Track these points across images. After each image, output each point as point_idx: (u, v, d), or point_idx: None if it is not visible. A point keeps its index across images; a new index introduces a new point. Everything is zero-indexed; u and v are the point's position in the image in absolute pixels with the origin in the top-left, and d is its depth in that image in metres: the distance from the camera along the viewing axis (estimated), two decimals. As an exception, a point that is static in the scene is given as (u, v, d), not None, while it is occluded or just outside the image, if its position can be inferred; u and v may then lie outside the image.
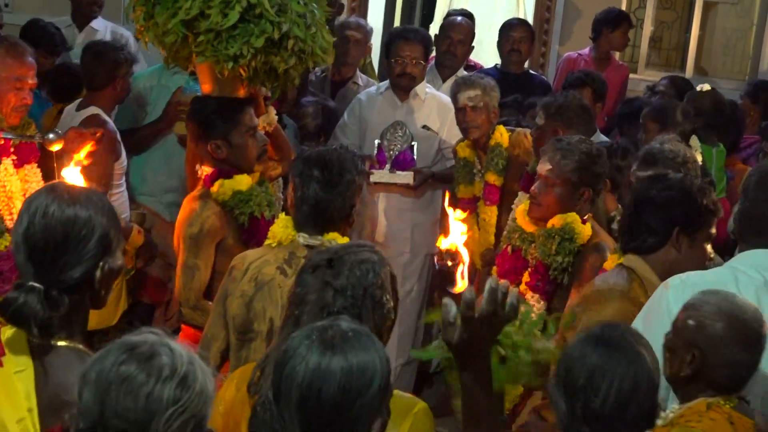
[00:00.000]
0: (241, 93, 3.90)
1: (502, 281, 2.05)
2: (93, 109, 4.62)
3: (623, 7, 7.78)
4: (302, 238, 3.19)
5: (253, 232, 3.82)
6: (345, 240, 3.24)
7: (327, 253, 2.42)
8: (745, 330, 2.60)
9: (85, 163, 3.97)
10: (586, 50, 7.04)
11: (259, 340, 3.20)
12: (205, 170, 3.91)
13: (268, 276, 3.19)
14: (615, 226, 4.36)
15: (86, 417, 1.72)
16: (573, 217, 3.83)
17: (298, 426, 1.87)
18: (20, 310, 2.24)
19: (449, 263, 3.08)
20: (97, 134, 4.53)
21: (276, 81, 4.00)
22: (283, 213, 3.52)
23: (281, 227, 3.29)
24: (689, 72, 8.03)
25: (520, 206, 4.17)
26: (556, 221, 3.85)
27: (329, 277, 2.33)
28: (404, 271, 4.96)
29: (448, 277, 3.10)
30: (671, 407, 2.70)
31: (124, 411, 1.70)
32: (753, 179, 3.03)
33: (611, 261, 3.53)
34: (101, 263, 2.34)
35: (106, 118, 4.68)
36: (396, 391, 2.21)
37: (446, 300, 2.05)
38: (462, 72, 6.03)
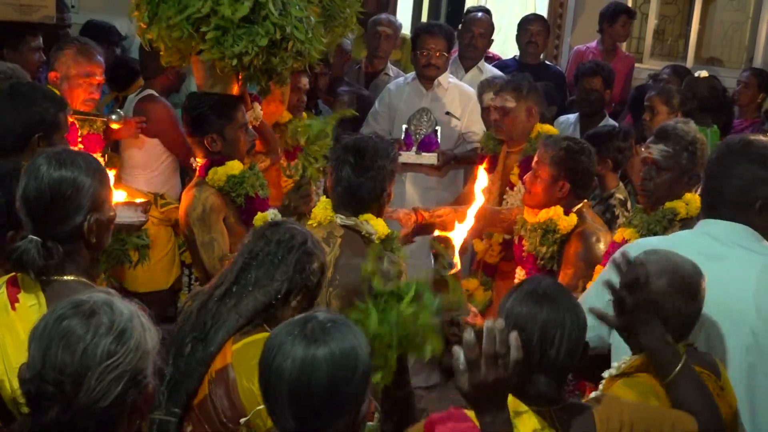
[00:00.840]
0: (235, 90, 3.93)
1: (498, 320, 1.98)
2: (148, 91, 4.73)
3: (630, 3, 7.81)
4: (339, 218, 3.26)
5: (251, 212, 3.85)
6: (379, 221, 3.31)
7: (273, 221, 2.62)
8: (684, 283, 2.62)
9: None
10: (594, 43, 7.11)
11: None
12: (199, 162, 3.97)
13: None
14: (614, 201, 4.50)
15: (31, 368, 1.74)
16: (556, 210, 3.89)
17: (291, 418, 1.87)
18: (20, 258, 2.40)
19: (442, 246, 3.27)
20: (142, 120, 4.65)
21: (269, 79, 3.99)
22: (324, 196, 3.55)
23: (321, 209, 3.34)
24: (690, 62, 8.02)
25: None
26: (540, 215, 3.95)
27: (267, 231, 2.53)
28: (423, 248, 4.92)
29: (440, 261, 3.27)
30: (623, 358, 2.72)
31: (61, 364, 1.71)
32: (713, 156, 3.07)
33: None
34: (88, 216, 2.46)
35: (161, 98, 4.81)
36: (267, 331, 2.39)
37: (456, 348, 1.94)
38: (483, 63, 6.14)
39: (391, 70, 6.33)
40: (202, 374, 2.45)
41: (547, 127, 4.75)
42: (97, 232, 2.49)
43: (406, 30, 7.17)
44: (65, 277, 2.45)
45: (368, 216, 3.26)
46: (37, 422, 1.71)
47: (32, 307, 2.42)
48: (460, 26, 6.34)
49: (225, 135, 3.79)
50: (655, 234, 3.52)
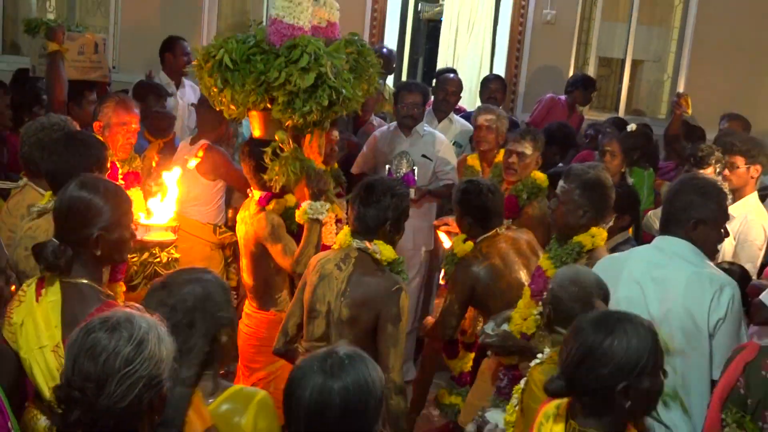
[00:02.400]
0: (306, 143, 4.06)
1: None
2: (203, 141, 4.76)
3: (572, 65, 7.99)
4: (355, 242, 3.36)
5: (300, 236, 3.92)
6: (387, 247, 3.37)
7: (164, 278, 2.36)
8: (583, 293, 2.84)
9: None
10: (563, 97, 7.18)
11: (320, 318, 3.35)
12: (256, 194, 4.05)
13: (327, 270, 3.35)
14: None
15: (64, 374, 1.79)
16: (458, 238, 4.12)
17: None
18: (38, 255, 2.54)
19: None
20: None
21: (314, 128, 4.09)
22: (347, 226, 3.57)
23: (342, 235, 3.44)
24: (621, 113, 8.14)
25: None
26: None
27: (164, 296, 2.25)
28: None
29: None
30: (546, 350, 2.93)
31: (86, 372, 1.74)
32: (668, 190, 3.21)
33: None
34: (97, 232, 2.56)
35: (217, 146, 4.81)
36: (234, 386, 2.33)
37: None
38: (452, 114, 6.28)
39: (375, 120, 6.42)
40: None
41: (538, 174, 4.83)
42: (102, 247, 2.58)
43: (389, 83, 7.24)
44: (79, 281, 2.55)
45: (379, 242, 3.35)
46: (64, 421, 1.76)
47: (52, 302, 2.51)
48: (434, 83, 6.48)
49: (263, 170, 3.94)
50: (565, 263, 3.50)
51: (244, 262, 4.14)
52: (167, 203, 4.23)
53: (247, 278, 4.14)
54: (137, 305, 1.99)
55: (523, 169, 4.77)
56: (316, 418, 1.86)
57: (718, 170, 4.50)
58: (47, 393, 2.35)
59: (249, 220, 4.06)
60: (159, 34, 6.75)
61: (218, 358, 2.31)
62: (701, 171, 4.48)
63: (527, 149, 4.77)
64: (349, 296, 3.30)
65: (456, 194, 4.12)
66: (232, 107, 4.00)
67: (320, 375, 1.88)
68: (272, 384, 3.92)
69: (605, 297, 2.89)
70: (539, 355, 2.89)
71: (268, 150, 3.96)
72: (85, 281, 2.57)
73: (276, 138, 4.01)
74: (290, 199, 4.03)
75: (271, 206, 3.99)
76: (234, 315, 2.38)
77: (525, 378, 2.91)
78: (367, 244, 3.35)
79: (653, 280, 3.02)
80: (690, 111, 5.98)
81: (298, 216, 3.93)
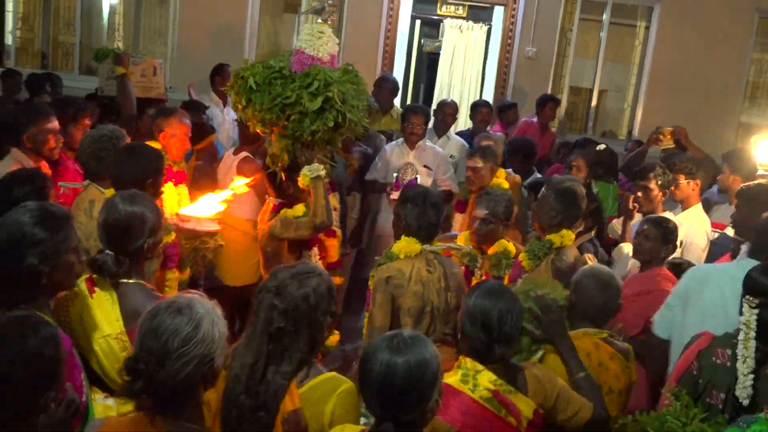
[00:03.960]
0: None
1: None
2: (245, 153, 4.69)
3: (549, 92, 7.91)
4: (426, 247, 3.25)
5: (303, 241, 3.93)
6: (416, 247, 3.22)
7: (276, 281, 2.21)
8: (603, 284, 2.83)
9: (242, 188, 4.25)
10: (535, 118, 7.14)
11: (427, 316, 3.20)
12: (272, 201, 4.01)
13: (425, 276, 3.20)
14: None
15: (135, 348, 1.81)
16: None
17: (378, 407, 1.88)
18: (100, 266, 2.49)
19: None
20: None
21: (326, 145, 4.01)
22: (404, 234, 3.30)
23: (405, 244, 3.23)
24: (589, 133, 8.23)
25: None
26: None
27: (276, 301, 2.16)
28: None
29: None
30: (540, 351, 2.78)
31: (150, 349, 1.74)
32: (761, 222, 3.14)
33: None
34: (147, 240, 2.56)
35: (256, 158, 4.68)
36: (326, 374, 2.22)
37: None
38: (450, 132, 6.28)
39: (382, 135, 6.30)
40: (270, 428, 2.13)
41: (501, 181, 4.73)
42: (151, 250, 2.60)
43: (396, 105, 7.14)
44: (129, 281, 2.52)
45: (435, 242, 3.33)
46: (129, 388, 1.76)
47: (107, 300, 2.48)
48: (434, 107, 6.52)
49: (294, 182, 3.89)
50: (539, 258, 3.53)
51: (261, 259, 4.05)
52: (214, 202, 4.19)
53: (263, 273, 4.04)
54: (197, 292, 1.95)
55: (480, 179, 4.67)
56: (384, 386, 1.85)
57: (659, 182, 4.47)
58: (113, 374, 2.35)
59: (263, 223, 4.03)
60: (207, 60, 6.80)
61: (317, 353, 2.28)
62: (641, 182, 4.51)
63: (478, 163, 4.69)
64: (452, 289, 3.27)
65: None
66: (257, 123, 3.94)
67: (387, 352, 1.87)
68: None
69: (618, 290, 2.94)
70: (536, 355, 2.78)
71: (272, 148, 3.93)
72: (133, 281, 2.54)
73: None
74: (299, 209, 3.92)
75: (281, 215, 3.90)
76: (336, 310, 2.31)
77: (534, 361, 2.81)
78: (432, 246, 3.30)
79: (732, 290, 2.86)
80: (664, 145, 5.77)
81: (301, 182, 3.82)
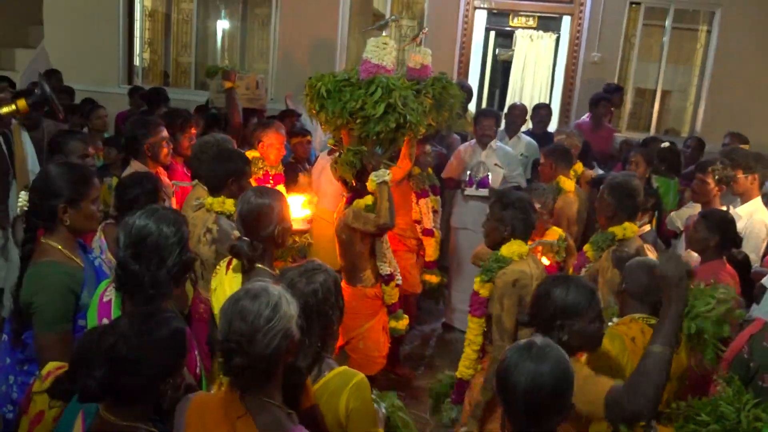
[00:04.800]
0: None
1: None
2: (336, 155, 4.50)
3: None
4: (527, 246, 3.21)
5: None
6: (525, 248, 3.14)
7: (285, 279, 2.15)
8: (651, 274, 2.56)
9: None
10: (587, 118, 6.89)
11: None
12: (345, 193, 4.07)
13: (539, 274, 3.11)
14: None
15: (222, 334, 1.77)
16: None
17: (523, 416, 1.74)
18: (238, 251, 2.56)
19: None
20: None
21: (390, 145, 4.04)
22: (513, 238, 3.20)
23: (517, 247, 3.15)
24: (652, 132, 7.95)
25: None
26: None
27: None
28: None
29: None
30: (614, 320, 2.71)
31: (239, 330, 1.74)
32: None
33: None
34: (279, 226, 2.61)
35: None
36: (338, 368, 2.12)
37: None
38: (520, 133, 6.16)
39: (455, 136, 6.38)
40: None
41: (564, 179, 4.64)
42: (281, 236, 2.65)
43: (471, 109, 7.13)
44: (258, 266, 2.58)
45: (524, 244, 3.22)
46: (229, 366, 1.76)
47: (237, 278, 2.58)
48: (506, 110, 6.52)
49: (362, 180, 3.91)
50: (602, 248, 3.42)
51: (337, 247, 4.04)
52: (306, 206, 4.27)
53: (339, 260, 4.06)
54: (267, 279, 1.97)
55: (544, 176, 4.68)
56: (532, 397, 1.72)
57: (717, 177, 4.26)
58: None
59: (339, 212, 4.06)
60: (303, 74, 6.57)
61: (330, 348, 2.21)
62: (700, 175, 4.31)
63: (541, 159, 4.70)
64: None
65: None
66: (329, 127, 3.96)
67: (531, 362, 1.74)
68: (361, 342, 3.92)
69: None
70: (608, 323, 2.65)
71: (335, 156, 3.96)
72: (260, 266, 2.57)
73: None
74: (368, 199, 3.89)
75: (354, 205, 3.91)
76: (343, 303, 2.24)
77: None
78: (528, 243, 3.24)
79: None
80: None
81: (369, 187, 3.83)
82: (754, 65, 7.63)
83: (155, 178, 3.21)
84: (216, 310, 2.49)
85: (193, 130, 4.67)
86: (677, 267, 2.20)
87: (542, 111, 6.63)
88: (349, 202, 3.97)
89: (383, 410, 2.40)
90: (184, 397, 1.88)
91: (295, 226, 3.90)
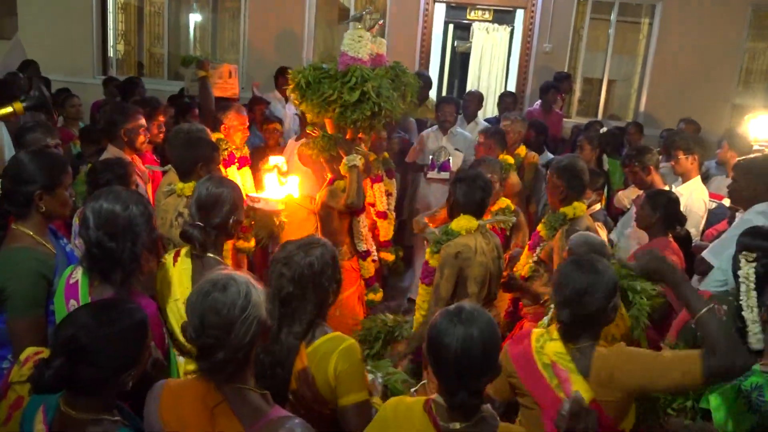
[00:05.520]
0: (348, 136, 3.92)
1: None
2: (304, 140, 4.33)
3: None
4: (480, 222, 3.16)
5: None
6: (474, 223, 3.09)
7: (284, 252, 2.12)
8: (594, 249, 2.59)
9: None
10: (537, 106, 6.90)
11: (487, 282, 3.11)
12: (328, 175, 4.02)
13: (487, 249, 3.12)
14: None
15: (195, 330, 1.66)
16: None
17: (455, 378, 1.69)
18: (190, 235, 2.44)
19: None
20: None
21: (369, 131, 3.99)
22: (462, 213, 3.19)
23: (465, 221, 3.12)
24: (600, 117, 7.96)
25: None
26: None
27: (284, 270, 2.08)
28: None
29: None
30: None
31: (214, 324, 1.63)
32: None
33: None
34: (232, 216, 2.50)
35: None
36: (330, 334, 2.07)
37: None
38: (477, 119, 6.11)
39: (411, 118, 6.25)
40: (288, 386, 2.04)
41: (506, 157, 4.67)
42: (233, 227, 2.54)
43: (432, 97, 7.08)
44: (207, 255, 2.46)
45: (481, 218, 3.22)
46: (210, 361, 1.65)
47: (185, 269, 2.45)
48: (463, 97, 6.42)
49: (337, 168, 3.88)
50: (555, 228, 3.38)
51: (318, 223, 4.05)
52: (285, 188, 4.18)
53: (320, 234, 3.92)
54: (227, 265, 1.95)
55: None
56: (463, 359, 1.67)
57: (651, 163, 4.26)
58: (179, 333, 2.21)
59: (320, 192, 4.04)
60: (273, 64, 6.82)
61: (324, 315, 2.15)
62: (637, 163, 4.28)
63: (480, 140, 4.69)
64: (500, 256, 3.20)
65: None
66: (311, 115, 3.93)
67: (460, 325, 1.69)
68: (337, 310, 3.82)
69: (607, 257, 2.60)
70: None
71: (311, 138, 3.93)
72: (210, 255, 2.47)
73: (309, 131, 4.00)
74: (340, 184, 3.89)
75: (334, 186, 3.90)
76: (341, 277, 2.17)
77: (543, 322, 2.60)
78: (483, 220, 3.20)
79: None
80: None
81: (342, 170, 3.82)
82: (692, 55, 7.70)
83: (126, 163, 3.06)
84: (161, 303, 2.38)
85: (162, 118, 4.50)
86: (657, 259, 2.13)
87: (507, 99, 6.63)
88: (331, 183, 3.97)
89: (380, 380, 2.36)
90: (154, 386, 1.76)
91: (270, 207, 3.88)
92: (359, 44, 3.76)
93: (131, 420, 1.71)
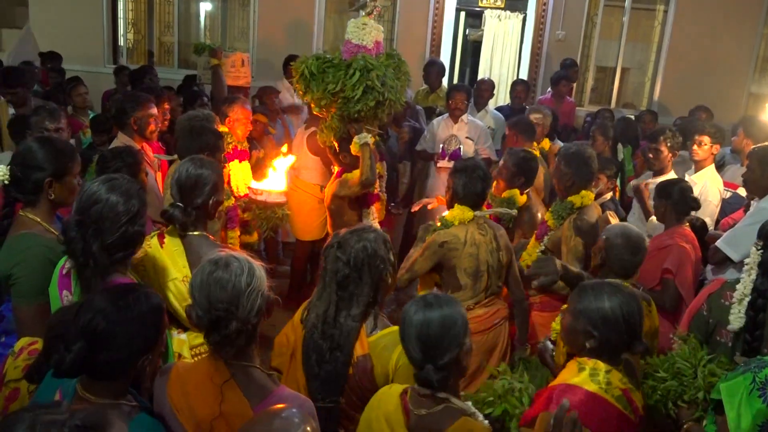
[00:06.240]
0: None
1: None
2: (313, 128, 4.51)
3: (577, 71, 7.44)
4: (476, 213, 3.08)
5: (365, 198, 3.93)
6: (469, 214, 3.05)
7: (338, 238, 2.19)
8: (630, 243, 2.62)
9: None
10: (549, 95, 6.86)
11: (485, 275, 3.04)
12: (335, 168, 4.04)
13: (478, 239, 3.05)
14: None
15: (200, 307, 1.69)
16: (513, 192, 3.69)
17: (420, 352, 1.82)
18: (171, 216, 2.42)
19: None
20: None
21: (370, 122, 3.89)
22: (458, 203, 3.10)
23: (459, 212, 3.07)
24: (613, 106, 7.90)
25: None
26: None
27: (339, 254, 2.13)
28: None
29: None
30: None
31: (222, 299, 1.67)
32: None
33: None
34: (212, 197, 2.49)
35: None
36: (392, 327, 2.14)
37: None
38: (488, 107, 6.08)
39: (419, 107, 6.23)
40: (347, 370, 2.11)
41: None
42: (213, 207, 2.53)
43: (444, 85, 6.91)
44: (194, 233, 2.45)
45: (475, 209, 3.13)
46: (223, 334, 1.68)
47: (176, 249, 2.42)
48: (475, 85, 6.33)
49: (348, 151, 3.87)
50: (562, 217, 3.32)
51: (328, 216, 4.04)
52: (281, 178, 4.15)
53: (329, 229, 4.00)
54: (215, 241, 1.99)
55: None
56: (422, 336, 1.82)
57: (669, 144, 4.22)
58: (181, 311, 2.26)
59: (329, 186, 4.02)
60: (282, 53, 6.70)
61: (381, 298, 2.19)
62: (653, 144, 4.27)
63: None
64: (502, 248, 3.10)
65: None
66: (315, 106, 3.88)
67: (423, 309, 1.86)
68: None
69: (645, 250, 2.69)
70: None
71: (321, 125, 3.91)
72: (197, 233, 2.46)
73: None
74: (356, 173, 3.86)
75: (343, 178, 3.87)
76: (395, 259, 2.23)
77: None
78: (480, 211, 3.13)
79: None
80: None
81: (353, 149, 3.79)
82: (707, 42, 7.61)
83: (136, 152, 3.05)
84: (157, 286, 2.35)
85: (167, 105, 4.49)
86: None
87: (519, 87, 6.54)
88: (339, 175, 3.94)
89: None
90: (162, 369, 1.78)
91: (273, 199, 3.88)
92: (364, 32, 3.72)
93: (143, 404, 1.72)
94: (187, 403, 1.70)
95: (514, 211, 3.59)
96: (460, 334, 1.83)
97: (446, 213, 3.16)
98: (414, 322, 1.84)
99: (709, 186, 4.15)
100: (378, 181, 4.46)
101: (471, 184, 3.06)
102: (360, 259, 2.11)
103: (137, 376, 1.67)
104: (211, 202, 2.50)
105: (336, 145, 3.96)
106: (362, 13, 3.84)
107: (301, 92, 3.83)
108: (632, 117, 6.26)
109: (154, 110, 3.90)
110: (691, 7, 7.61)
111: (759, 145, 3.63)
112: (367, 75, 3.62)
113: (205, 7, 8.67)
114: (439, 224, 3.15)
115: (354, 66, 3.63)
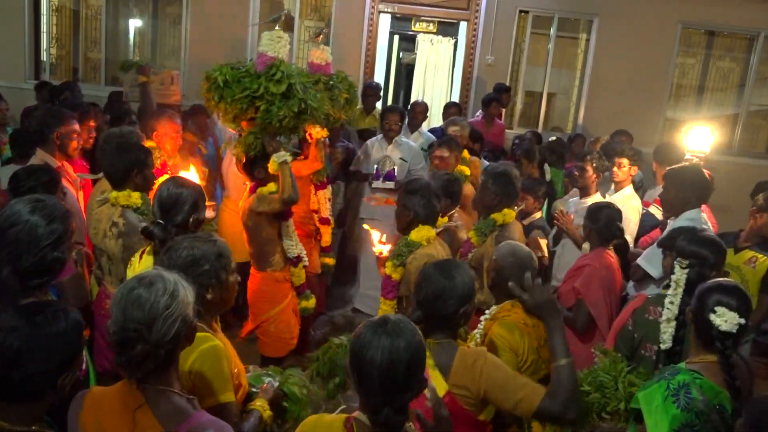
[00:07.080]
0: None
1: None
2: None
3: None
4: (435, 230, 3.13)
5: (280, 214, 3.76)
6: (432, 233, 3.09)
7: (173, 242, 2.14)
8: (521, 261, 2.55)
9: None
10: (479, 117, 7.04)
11: None
12: (248, 183, 3.88)
13: (447, 254, 3.10)
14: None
15: (116, 323, 1.61)
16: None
17: (379, 392, 1.60)
18: (151, 233, 2.47)
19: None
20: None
21: (291, 133, 3.85)
22: (419, 224, 3.13)
23: (425, 232, 3.09)
24: (540, 129, 8.10)
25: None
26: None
27: (165, 259, 2.06)
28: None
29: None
30: (492, 308, 2.54)
31: (137, 318, 1.59)
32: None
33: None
34: (192, 215, 2.54)
35: None
36: (203, 334, 1.99)
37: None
38: (421, 129, 6.15)
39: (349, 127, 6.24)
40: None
41: (463, 168, 4.62)
42: (194, 225, 2.56)
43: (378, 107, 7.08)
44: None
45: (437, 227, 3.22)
46: (129, 355, 1.60)
47: (148, 267, 2.39)
48: (409, 107, 6.43)
49: (265, 168, 3.71)
50: (485, 234, 3.42)
51: (245, 233, 3.83)
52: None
53: (247, 246, 3.86)
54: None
55: (446, 167, 4.45)
56: (388, 372, 1.58)
57: (594, 165, 4.41)
58: None
59: (243, 202, 3.89)
60: None
61: (206, 311, 2.07)
62: (579, 164, 4.48)
63: (444, 153, 4.53)
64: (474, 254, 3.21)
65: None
66: (228, 119, 3.72)
67: (386, 337, 1.60)
68: (272, 325, 3.80)
69: (534, 268, 2.58)
70: (488, 311, 2.56)
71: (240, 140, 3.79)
72: None
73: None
74: (270, 186, 3.74)
75: (258, 192, 3.74)
76: (226, 277, 2.09)
77: (479, 330, 2.55)
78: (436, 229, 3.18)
79: None
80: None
81: (270, 168, 3.65)
82: (626, 70, 7.99)
83: (52, 170, 2.95)
84: None
85: (92, 123, 4.37)
86: (542, 293, 2.22)
87: (452, 109, 6.67)
88: (253, 190, 3.83)
89: (276, 383, 2.34)
90: (76, 395, 1.70)
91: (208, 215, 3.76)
92: (279, 44, 3.63)
93: (54, 429, 1.66)
94: (99, 428, 1.64)
95: (459, 223, 3.67)
96: (423, 368, 1.65)
97: (410, 235, 3.12)
98: (374, 355, 1.59)
99: (628, 206, 4.31)
100: (327, 203, 4.54)
101: (430, 204, 3.12)
102: (179, 267, 1.98)
103: (56, 399, 1.60)
104: (191, 220, 2.54)
105: (248, 161, 3.80)
106: (276, 27, 3.77)
107: (212, 102, 3.65)
108: (562, 138, 6.52)
109: (77, 126, 3.77)
110: (611, 37, 7.98)
111: (674, 166, 3.80)
112: (290, 78, 3.54)
113: (135, 24, 8.47)
114: (405, 248, 3.10)
115: (275, 66, 3.53)
